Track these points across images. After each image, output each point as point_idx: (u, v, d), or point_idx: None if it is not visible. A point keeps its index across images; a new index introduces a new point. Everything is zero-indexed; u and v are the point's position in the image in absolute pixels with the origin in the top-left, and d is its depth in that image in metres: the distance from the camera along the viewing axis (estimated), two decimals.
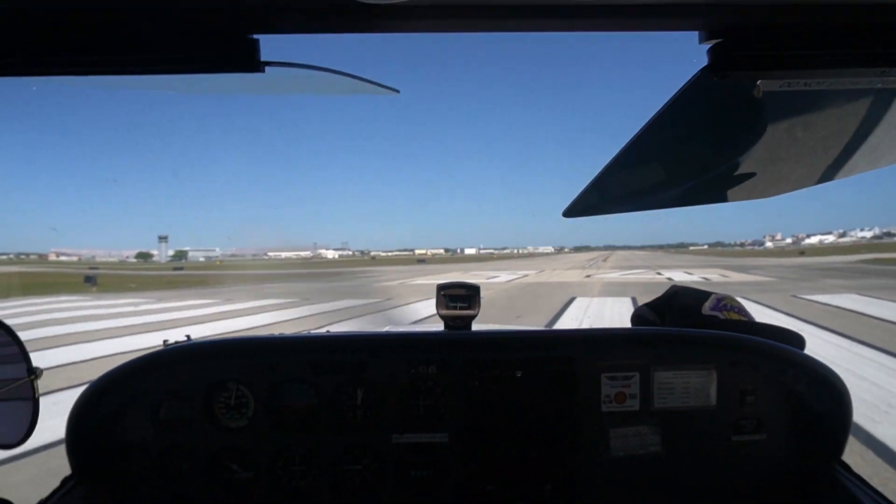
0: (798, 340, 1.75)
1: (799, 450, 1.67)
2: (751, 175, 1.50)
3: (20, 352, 1.36)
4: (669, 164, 1.48)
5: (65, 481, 1.56)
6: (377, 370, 1.69)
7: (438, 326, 1.87)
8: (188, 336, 1.84)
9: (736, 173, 1.50)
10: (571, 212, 1.58)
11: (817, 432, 1.66)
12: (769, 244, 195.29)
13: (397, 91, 1.09)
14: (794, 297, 19.19)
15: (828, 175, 1.50)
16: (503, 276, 41.04)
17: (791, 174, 1.51)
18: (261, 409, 1.65)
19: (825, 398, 1.63)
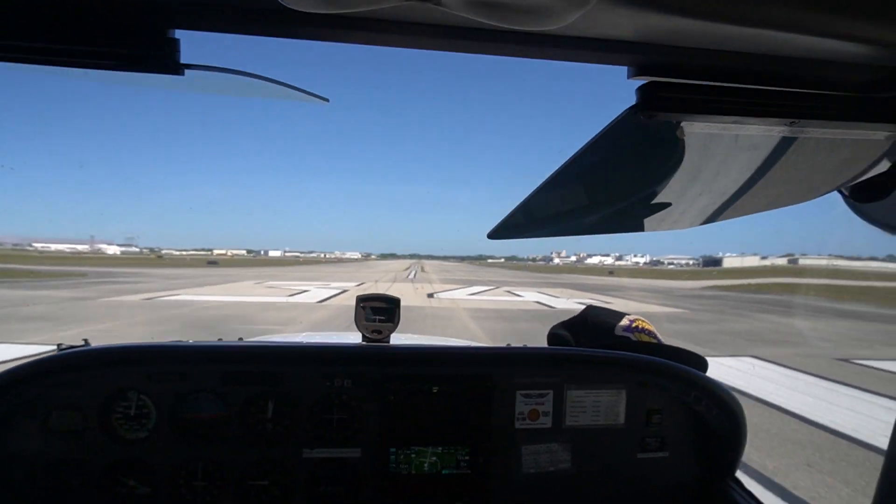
0: (700, 363, 1.86)
1: (698, 467, 1.78)
2: (666, 206, 1.58)
3: None
4: (593, 191, 1.52)
5: None
6: (291, 382, 1.59)
7: (357, 339, 1.79)
8: (85, 340, 1.68)
9: (653, 203, 1.57)
10: (496, 233, 1.55)
11: (715, 450, 1.76)
12: (557, 260, 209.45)
13: (327, 100, 1.06)
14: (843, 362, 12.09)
15: (735, 210, 1.60)
16: (315, 292, 29.85)
17: (703, 207, 1.60)
18: (163, 419, 1.54)
19: (723, 418, 1.71)
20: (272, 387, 1.60)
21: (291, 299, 24.64)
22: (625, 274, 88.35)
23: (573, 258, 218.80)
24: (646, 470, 1.75)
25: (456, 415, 1.67)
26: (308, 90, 1.00)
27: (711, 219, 1.65)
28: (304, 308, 20.65)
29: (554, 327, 2.09)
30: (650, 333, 1.96)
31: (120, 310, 18.73)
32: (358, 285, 36.73)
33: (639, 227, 1.72)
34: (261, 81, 0.94)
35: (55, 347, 1.61)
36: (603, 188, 1.52)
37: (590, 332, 1.97)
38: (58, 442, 1.51)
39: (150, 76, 0.85)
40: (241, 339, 2.10)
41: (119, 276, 41.56)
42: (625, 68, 0.96)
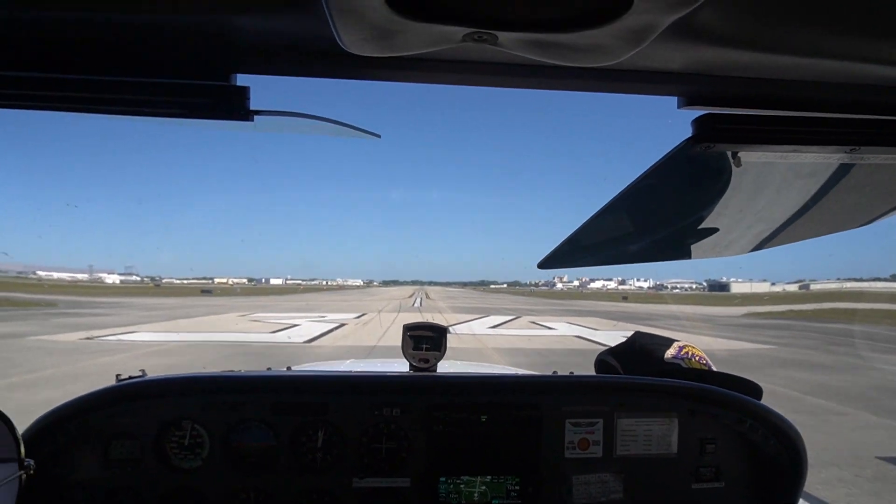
0: (755, 390, 1.83)
1: (756, 497, 1.73)
2: (715, 233, 1.58)
3: (14, 442, 1.35)
4: (641, 219, 1.53)
5: None
6: (339, 412, 1.61)
7: (403, 365, 1.82)
8: (143, 371, 1.70)
9: (701, 230, 1.57)
10: (546, 263, 1.60)
11: (774, 481, 1.71)
12: (559, 286, 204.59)
13: (378, 135, 1.11)
14: None
15: (787, 237, 1.60)
16: (305, 327, 24.51)
17: (754, 235, 1.61)
18: (216, 449, 1.55)
19: (780, 447, 1.68)
20: (321, 416, 1.61)
21: (274, 337, 20.48)
22: (638, 299, 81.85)
23: (576, 283, 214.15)
24: (701, 501, 1.71)
25: (505, 444, 1.66)
26: (361, 127, 1.05)
27: (761, 246, 1.65)
28: (288, 352, 16.19)
29: (601, 354, 2.08)
30: (701, 359, 1.94)
31: (32, 355, 14.57)
32: (358, 317, 31.71)
33: (685, 255, 1.73)
34: (320, 121, 0.99)
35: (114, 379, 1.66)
36: (651, 216, 1.51)
37: (638, 358, 1.95)
38: (116, 470, 1.54)
39: (220, 122, 0.90)
40: (289, 367, 2.10)
41: (91, 307, 36.86)
42: (675, 98, 0.98)
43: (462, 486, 1.64)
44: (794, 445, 1.66)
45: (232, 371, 1.84)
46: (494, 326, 26.51)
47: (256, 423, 1.59)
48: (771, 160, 1.06)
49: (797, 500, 1.69)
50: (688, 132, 1.01)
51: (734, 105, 0.96)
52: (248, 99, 0.87)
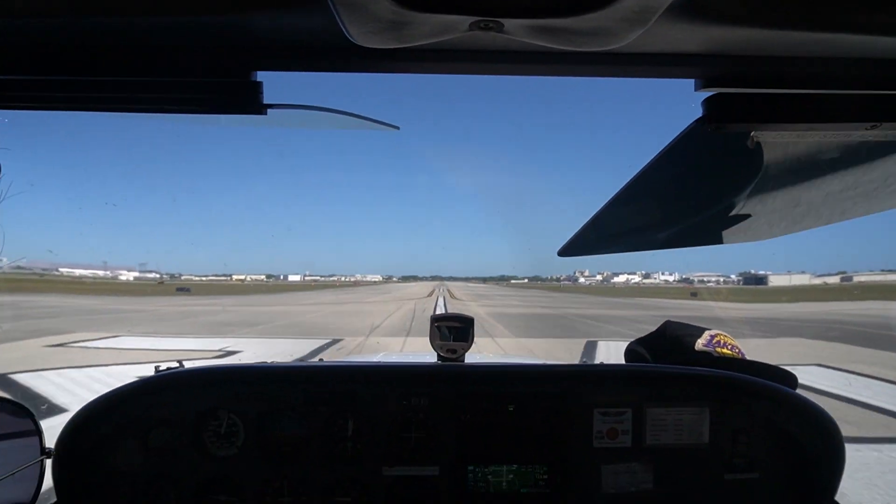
0: (791, 380, 1.81)
1: (792, 489, 1.71)
2: (742, 219, 1.57)
3: (37, 432, 1.47)
4: (663, 207, 1.53)
5: None
6: (369, 402, 1.66)
7: (432, 357, 1.85)
8: (180, 362, 1.80)
9: (727, 216, 1.56)
10: (567, 251, 1.60)
11: (810, 472, 1.69)
12: (582, 280, 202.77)
13: (397, 127, 1.13)
14: None
15: (812, 221, 1.59)
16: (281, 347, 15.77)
17: (779, 220, 1.60)
18: (251, 437, 1.62)
19: (817, 438, 1.66)
20: (351, 406, 1.66)
21: None
22: (706, 297, 68.25)
23: (598, 277, 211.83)
24: (735, 492, 1.70)
25: (533, 433, 1.69)
26: (378, 119, 1.08)
27: (791, 228, 1.63)
28: None
29: (631, 343, 2.07)
30: (733, 348, 1.93)
31: None
32: (371, 332, 20.47)
33: (716, 240, 1.71)
34: (336, 115, 1.02)
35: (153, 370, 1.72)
36: (675, 203, 1.50)
37: (668, 347, 1.95)
38: (156, 458, 1.61)
39: (232, 117, 0.94)
40: (321, 359, 2.20)
41: (35, 308, 29.56)
42: (692, 81, 0.97)
43: (490, 475, 1.68)
44: (832, 436, 1.64)
45: (265, 362, 1.89)
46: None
47: (289, 412, 1.65)
48: (787, 139, 1.05)
49: (835, 493, 1.66)
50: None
51: (753, 85, 0.94)
52: (261, 93, 0.90)
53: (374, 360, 2.26)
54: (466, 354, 1.82)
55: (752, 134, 1.01)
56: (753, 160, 1.18)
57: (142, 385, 1.64)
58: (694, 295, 68.47)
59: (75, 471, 1.57)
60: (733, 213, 1.52)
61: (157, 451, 1.62)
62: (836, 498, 1.66)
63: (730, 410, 1.71)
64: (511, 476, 1.68)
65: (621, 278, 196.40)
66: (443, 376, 1.73)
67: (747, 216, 1.54)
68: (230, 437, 1.64)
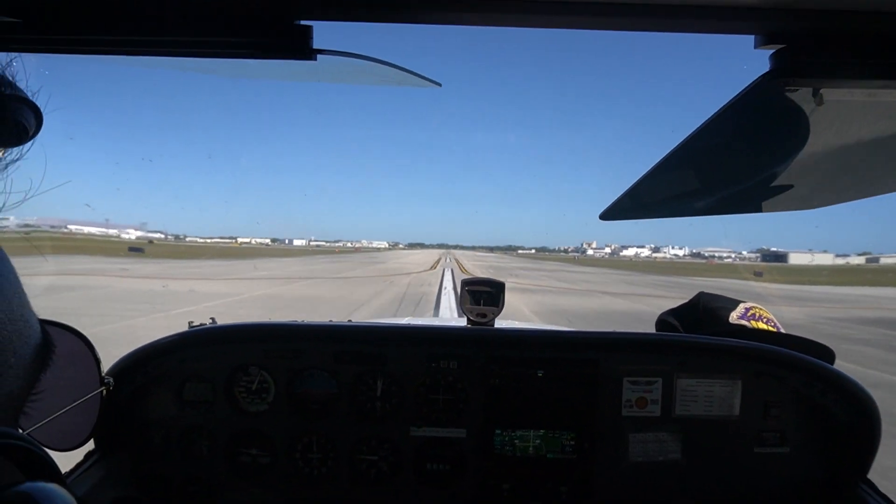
0: (827, 354, 1.79)
1: (823, 465, 1.70)
2: (789, 186, 1.52)
3: (95, 362, 1.46)
4: (716, 170, 1.48)
5: (88, 455, 1.58)
6: (398, 363, 1.69)
7: (461, 321, 1.88)
8: (213, 319, 1.85)
9: (781, 182, 1.50)
10: (608, 215, 1.58)
11: (843, 449, 1.67)
12: (590, 252, 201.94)
13: (439, 84, 1.10)
14: None
15: (879, 188, 1.52)
16: None
17: (841, 186, 1.54)
18: (282, 394, 1.67)
19: (853, 414, 1.63)
20: (380, 366, 1.69)
21: None
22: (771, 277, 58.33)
23: (607, 249, 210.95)
24: (764, 466, 1.70)
25: (561, 399, 1.70)
26: (422, 74, 1.04)
27: (845, 197, 1.58)
28: None
29: (663, 314, 2.06)
30: (769, 322, 1.91)
31: None
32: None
33: (756, 209, 1.68)
34: (382, 66, 0.98)
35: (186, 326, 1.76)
36: (725, 170, 1.46)
37: (701, 319, 1.94)
38: (190, 410, 1.67)
39: (280, 65, 0.91)
40: (350, 320, 2.18)
41: None
42: (752, 38, 0.88)
43: (517, 439, 1.70)
44: (868, 412, 1.61)
45: (295, 321, 1.92)
46: None
47: (318, 370, 1.68)
48: (858, 98, 0.95)
49: (868, 470, 1.64)
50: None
51: (819, 44, 0.86)
52: (311, 38, 0.87)
53: (403, 322, 2.31)
54: (496, 320, 1.83)
55: (820, 91, 0.92)
56: (815, 124, 1.10)
57: (177, 339, 1.68)
58: (759, 275, 60.83)
59: (112, 422, 1.61)
60: (776, 181, 1.46)
61: (192, 403, 1.68)
62: (869, 476, 1.64)
63: (763, 384, 1.70)
64: (538, 441, 1.70)
65: (630, 252, 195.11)
66: (472, 340, 1.74)
67: (790, 185, 1.48)
68: (261, 393, 1.68)
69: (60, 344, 1.07)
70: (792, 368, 1.68)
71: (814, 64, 0.87)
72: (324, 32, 0.90)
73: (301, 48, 0.87)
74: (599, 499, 1.71)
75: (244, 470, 1.68)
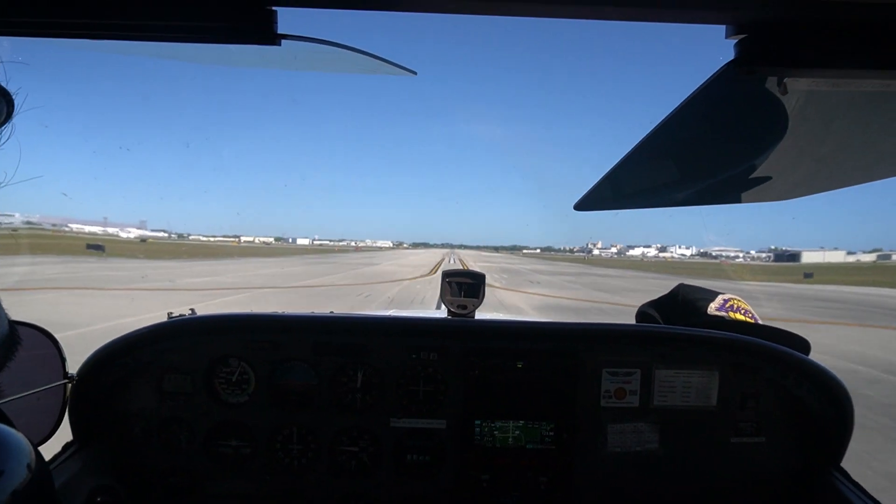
0: (802, 345, 1.82)
1: (798, 454, 1.73)
2: (768, 177, 1.52)
3: (59, 357, 1.50)
4: (687, 161, 1.48)
5: (66, 446, 1.57)
6: (378, 354, 1.70)
7: (442, 312, 1.89)
8: (192, 310, 1.86)
9: (753, 174, 1.51)
10: (583, 205, 1.56)
11: (817, 437, 1.71)
12: (596, 252, 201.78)
13: (415, 72, 1.08)
14: None
15: (846, 180, 1.53)
16: None
17: (810, 177, 1.55)
18: (262, 386, 1.68)
19: (826, 404, 1.67)
20: (361, 358, 1.70)
21: None
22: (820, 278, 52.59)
23: (613, 249, 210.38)
24: (740, 455, 1.73)
25: (540, 390, 1.72)
26: (396, 62, 1.02)
27: (816, 188, 1.59)
28: None
29: (643, 306, 2.07)
30: (746, 312, 1.93)
31: None
32: None
33: (735, 199, 1.68)
34: (353, 54, 0.96)
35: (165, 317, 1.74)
36: (697, 160, 1.46)
37: (680, 310, 1.96)
38: (169, 402, 1.68)
39: (246, 51, 0.89)
40: (332, 311, 2.16)
41: None
42: (722, 28, 0.88)
43: (497, 430, 1.72)
44: (841, 402, 1.65)
45: (276, 312, 1.93)
46: None
47: (299, 362, 1.70)
48: (822, 87, 0.95)
49: (841, 459, 1.68)
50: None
51: (790, 32, 0.87)
52: (276, 23, 0.84)
53: (384, 314, 2.31)
54: (476, 311, 1.84)
55: (784, 80, 0.93)
56: (783, 113, 1.11)
57: (155, 330, 1.68)
58: (808, 276, 55.62)
59: (91, 413, 1.62)
60: (755, 171, 1.47)
61: (171, 395, 1.68)
62: (842, 464, 1.67)
63: (740, 374, 1.72)
64: (517, 432, 1.72)
65: (637, 251, 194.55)
66: (452, 331, 1.75)
67: (768, 176, 1.50)
68: (241, 384, 1.69)
69: (29, 342, 1.10)
70: (768, 359, 1.71)
71: (775, 52, 0.87)
72: (297, 19, 0.88)
73: (264, 33, 0.84)
74: (578, 489, 1.72)
75: (225, 461, 1.69)
